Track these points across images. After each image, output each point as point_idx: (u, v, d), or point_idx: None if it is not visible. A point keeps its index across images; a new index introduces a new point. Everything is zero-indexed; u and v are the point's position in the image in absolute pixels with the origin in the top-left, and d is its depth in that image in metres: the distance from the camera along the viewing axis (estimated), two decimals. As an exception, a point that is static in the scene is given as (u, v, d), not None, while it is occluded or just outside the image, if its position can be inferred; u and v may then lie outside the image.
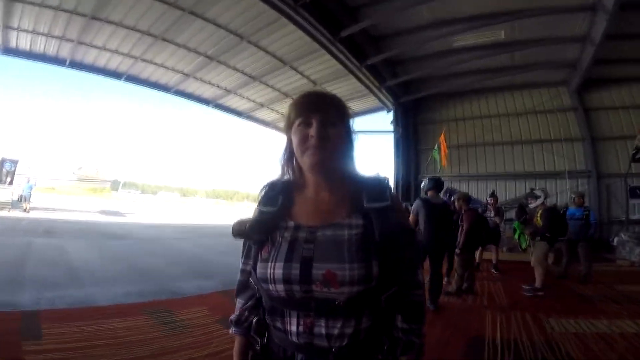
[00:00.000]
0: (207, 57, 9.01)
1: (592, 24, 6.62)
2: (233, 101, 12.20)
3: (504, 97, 10.42)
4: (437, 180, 4.11)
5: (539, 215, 4.91)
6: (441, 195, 4.48)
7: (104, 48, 8.96)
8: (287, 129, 0.86)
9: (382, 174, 0.98)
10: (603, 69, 8.27)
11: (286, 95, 10.94)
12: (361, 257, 0.74)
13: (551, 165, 9.59)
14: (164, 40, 8.38)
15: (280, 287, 0.75)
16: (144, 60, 9.53)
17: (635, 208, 8.44)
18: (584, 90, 9.15)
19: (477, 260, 5.68)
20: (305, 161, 0.80)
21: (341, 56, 7.55)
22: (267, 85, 10.34)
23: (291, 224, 0.81)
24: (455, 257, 4.61)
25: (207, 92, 11.56)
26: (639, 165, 8.10)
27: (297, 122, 0.81)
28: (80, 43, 8.69)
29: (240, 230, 0.86)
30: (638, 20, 6.37)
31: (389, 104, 10.53)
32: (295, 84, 10.07)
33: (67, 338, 2.48)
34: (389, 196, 0.81)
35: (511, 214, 8.47)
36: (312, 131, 0.78)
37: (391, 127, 11.24)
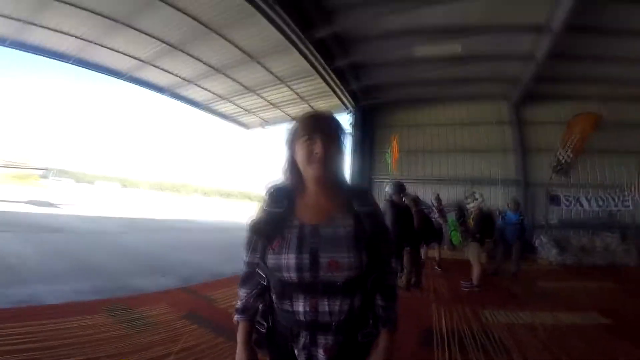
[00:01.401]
0: (170, 45, 8.50)
1: (537, 44, 7.19)
2: (191, 91, 11.63)
3: (452, 108, 11.13)
4: (400, 185, 4.52)
5: (471, 217, 5.42)
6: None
7: (55, 29, 8.09)
8: (292, 142, 1.04)
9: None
10: (540, 86, 9.04)
11: (248, 89, 10.68)
12: (355, 248, 0.94)
13: (487, 173, 10.45)
14: (125, 25, 7.75)
15: (293, 273, 0.93)
16: (98, 44, 8.76)
17: (554, 214, 9.60)
18: (521, 104, 10.07)
19: (422, 258, 6.01)
20: (310, 173, 0.99)
21: (310, 56, 7.58)
22: (230, 77, 9.99)
23: (296, 222, 0.99)
24: (404, 254, 4.87)
25: (164, 80, 10.86)
26: (560, 176, 9.28)
27: (303, 139, 0.99)
28: (29, 23, 7.79)
29: (257, 227, 1.02)
30: (579, 43, 7.03)
31: (350, 106, 10.84)
32: (260, 79, 9.86)
33: (22, 339, 2.29)
34: (372, 202, 1.04)
35: (452, 215, 9.31)
36: (317, 148, 0.97)
37: (350, 129, 11.58)
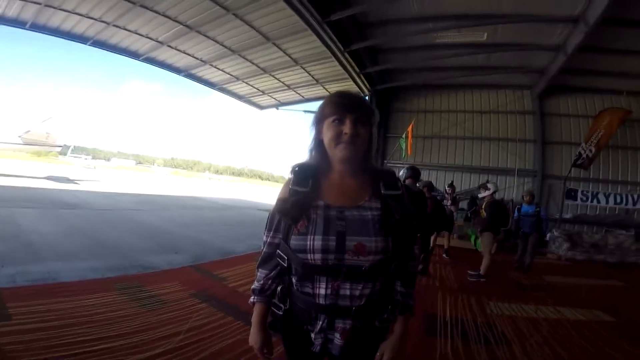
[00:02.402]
0: (187, 26, 8.48)
1: (570, 35, 6.98)
2: (207, 72, 11.64)
3: (472, 95, 10.93)
4: (415, 170, 4.36)
5: (484, 207, 5.37)
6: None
7: (73, 12, 8.16)
8: (319, 122, 1.01)
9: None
10: (567, 78, 8.87)
11: (264, 70, 10.65)
12: (382, 233, 0.93)
13: (504, 162, 10.33)
14: (142, 6, 7.74)
15: (318, 256, 0.90)
16: (115, 25, 8.81)
17: (569, 208, 9.49)
18: (545, 95, 9.82)
19: (431, 245, 6.01)
20: (337, 154, 0.96)
21: (327, 39, 7.46)
22: (246, 59, 9.96)
23: (321, 203, 0.96)
24: (416, 247, 5.01)
25: (181, 61, 10.92)
26: (578, 170, 9.05)
27: (331, 118, 0.96)
28: (48, 6, 7.86)
29: (283, 207, 0.98)
30: (611, 35, 6.82)
31: (365, 89, 10.67)
32: (275, 60, 9.81)
33: (38, 317, 2.31)
34: (400, 186, 1.01)
35: (464, 203, 9.28)
36: (346, 129, 0.93)
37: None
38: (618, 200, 8.98)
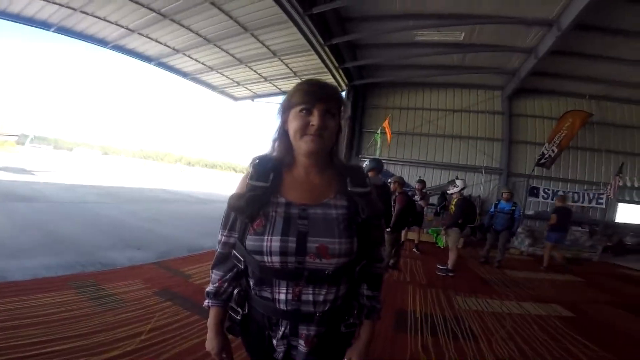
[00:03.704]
0: (160, 14, 8.02)
1: (542, 39, 7.21)
2: (180, 61, 11.17)
3: (445, 93, 11.19)
4: (378, 162, 4.39)
5: (453, 204, 5.53)
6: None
7: None
8: (285, 110, 0.90)
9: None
10: (536, 80, 9.25)
11: (240, 61, 10.32)
12: (347, 233, 0.86)
13: (473, 160, 10.71)
14: None
15: (276, 258, 0.82)
16: (83, 12, 8.19)
17: (531, 205, 10.03)
18: (514, 96, 10.24)
19: (402, 240, 6.11)
20: (302, 146, 0.86)
21: (307, 32, 7.31)
22: (222, 49, 9.60)
23: (282, 200, 0.87)
24: (385, 236, 5.03)
25: (152, 49, 10.37)
26: (540, 168, 9.58)
27: (299, 108, 0.86)
28: None
29: (237, 204, 0.88)
30: (580, 41, 7.10)
31: (342, 84, 10.66)
32: (253, 51, 9.52)
33: None
34: (368, 183, 0.93)
35: (434, 199, 9.56)
36: (314, 120, 0.84)
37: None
38: (575, 198, 9.60)
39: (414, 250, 6.94)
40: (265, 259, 0.84)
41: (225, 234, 0.95)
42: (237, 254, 0.92)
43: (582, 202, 9.54)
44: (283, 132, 0.92)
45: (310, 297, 0.85)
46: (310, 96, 0.86)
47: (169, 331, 2.35)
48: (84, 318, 2.36)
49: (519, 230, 8.48)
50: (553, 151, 9.11)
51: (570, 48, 7.43)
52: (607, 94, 9.48)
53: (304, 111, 0.85)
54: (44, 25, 8.89)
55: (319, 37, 7.60)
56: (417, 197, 6.94)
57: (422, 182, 7.23)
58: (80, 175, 14.10)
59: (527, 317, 3.55)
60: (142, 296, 2.91)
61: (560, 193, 8.97)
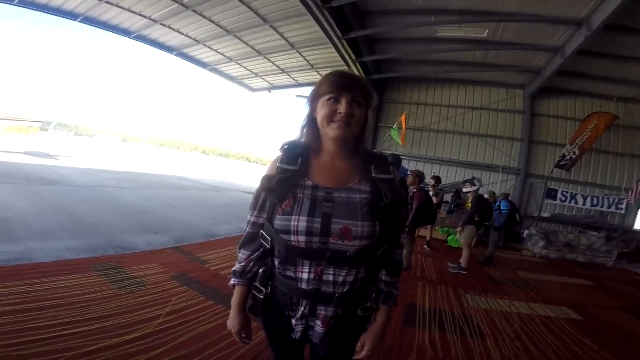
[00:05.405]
0: (183, 5, 8.15)
1: (570, 38, 7.01)
2: (200, 52, 11.32)
3: (465, 90, 11.01)
4: (396, 157, 4.38)
5: (469, 201, 5.51)
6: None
7: None
8: (314, 100, 0.96)
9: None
10: (561, 80, 8.99)
11: (259, 53, 10.38)
12: (369, 217, 0.90)
13: (490, 159, 10.55)
14: None
15: (302, 238, 0.87)
16: (108, 2, 8.42)
17: (548, 207, 9.84)
18: (537, 96, 9.99)
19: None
20: (329, 132, 0.92)
21: (325, 24, 7.29)
22: (241, 40, 9.68)
23: (309, 183, 0.92)
24: (403, 237, 4.89)
25: (173, 40, 10.57)
26: (559, 170, 9.35)
27: (327, 97, 0.91)
28: None
29: (268, 184, 0.94)
30: (610, 41, 6.89)
31: (360, 78, 10.61)
32: (271, 43, 9.57)
33: (11, 299, 2.21)
34: (391, 170, 0.98)
35: (447, 197, 9.50)
36: (341, 108, 0.89)
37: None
38: (594, 202, 9.35)
39: (425, 246, 6.95)
40: (292, 238, 0.88)
41: (254, 214, 1.00)
42: (264, 233, 0.96)
43: (601, 207, 9.29)
44: (311, 120, 0.98)
45: (331, 278, 0.89)
46: (338, 86, 0.91)
47: (185, 315, 2.42)
48: (104, 300, 2.44)
49: (533, 231, 8.39)
50: (574, 153, 8.87)
51: (598, 48, 7.20)
52: (637, 96, 9.13)
53: (332, 100, 0.91)
54: (71, 15, 9.15)
55: (337, 30, 7.56)
56: (430, 194, 6.91)
57: (436, 178, 7.15)
58: (99, 161, 14.54)
59: (535, 318, 3.57)
60: (159, 280, 2.99)
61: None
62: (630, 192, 8.58)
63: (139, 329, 2.15)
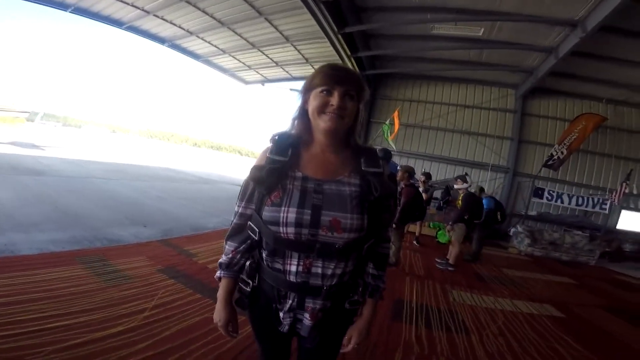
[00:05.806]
0: None
1: (564, 39, 7.04)
2: (193, 43, 11.12)
3: (458, 88, 11.09)
4: (386, 151, 4.35)
5: (460, 199, 5.53)
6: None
7: None
8: (307, 91, 0.95)
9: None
10: (552, 81, 9.10)
11: (253, 45, 10.24)
12: (358, 210, 0.89)
13: (480, 157, 10.70)
14: None
15: (291, 229, 0.86)
16: None
17: (534, 206, 10.02)
18: (529, 95, 10.12)
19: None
20: (321, 124, 0.91)
21: (321, 18, 7.21)
22: (235, 32, 9.53)
23: (299, 174, 0.92)
24: (391, 231, 4.93)
25: (166, 31, 10.33)
26: (547, 170, 9.52)
27: (320, 89, 0.91)
28: None
29: (257, 175, 0.93)
30: (604, 43, 6.95)
31: (355, 73, 10.58)
32: (266, 36, 9.44)
33: None
34: (381, 164, 0.98)
35: (437, 193, 9.59)
36: (334, 100, 0.89)
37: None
38: (580, 202, 9.58)
39: (414, 242, 7.02)
40: (281, 229, 0.87)
41: (242, 205, 0.99)
42: (252, 225, 0.95)
43: (586, 207, 9.52)
44: (303, 112, 0.97)
45: (319, 270, 0.88)
46: (332, 78, 0.90)
47: (172, 308, 2.41)
48: (89, 293, 2.40)
49: (520, 229, 8.54)
50: (562, 153, 9.04)
51: (591, 50, 7.28)
52: (626, 98, 9.32)
53: (324, 92, 0.90)
54: (62, 5, 8.88)
55: (333, 24, 7.50)
56: (420, 190, 6.95)
57: (426, 174, 7.18)
58: (88, 152, 14.20)
59: (519, 315, 3.65)
60: (146, 273, 2.96)
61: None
62: (614, 193, 8.81)
63: (125, 322, 2.13)
